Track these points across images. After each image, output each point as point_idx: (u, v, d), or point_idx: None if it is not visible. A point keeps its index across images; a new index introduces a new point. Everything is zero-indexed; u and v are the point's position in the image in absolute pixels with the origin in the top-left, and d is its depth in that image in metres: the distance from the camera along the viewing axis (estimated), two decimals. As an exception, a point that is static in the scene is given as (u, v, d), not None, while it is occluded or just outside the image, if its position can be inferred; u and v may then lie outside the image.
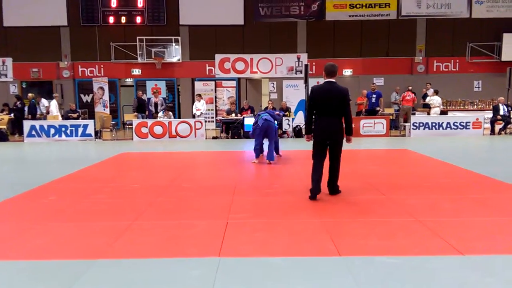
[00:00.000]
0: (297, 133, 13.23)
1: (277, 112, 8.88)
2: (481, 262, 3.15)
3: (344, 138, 5.30)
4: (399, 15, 17.43)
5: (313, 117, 5.26)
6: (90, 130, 13.20)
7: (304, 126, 5.42)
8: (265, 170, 7.57)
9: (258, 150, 8.21)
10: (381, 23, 17.64)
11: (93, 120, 13.87)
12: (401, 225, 4.08)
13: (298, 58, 17.05)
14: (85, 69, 17.82)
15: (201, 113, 14.48)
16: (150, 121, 13.25)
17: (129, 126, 13.87)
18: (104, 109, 17.00)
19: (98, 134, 13.58)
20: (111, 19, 17.53)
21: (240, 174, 7.10)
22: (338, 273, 3.02)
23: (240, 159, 8.90)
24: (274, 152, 8.17)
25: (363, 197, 5.24)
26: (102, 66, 17.79)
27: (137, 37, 17.17)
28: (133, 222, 4.29)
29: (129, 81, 19.15)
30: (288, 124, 13.25)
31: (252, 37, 17.75)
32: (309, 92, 5.27)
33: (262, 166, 7.97)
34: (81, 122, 13.53)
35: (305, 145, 8.93)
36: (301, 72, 16.63)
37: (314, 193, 5.09)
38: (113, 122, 15.05)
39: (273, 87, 17.57)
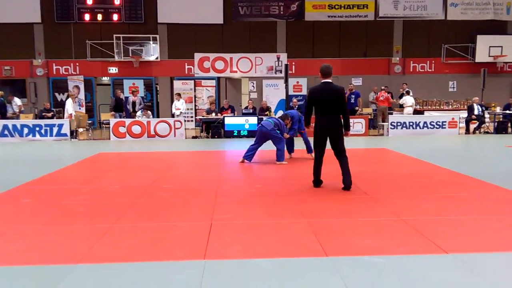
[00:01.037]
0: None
1: (287, 123, 8.51)
2: (466, 261, 3.18)
3: None
4: (377, 17, 17.67)
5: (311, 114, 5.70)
6: (66, 129, 12.84)
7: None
8: (246, 171, 7.52)
9: (249, 153, 8.14)
10: (359, 24, 17.84)
11: (68, 119, 13.49)
12: (385, 225, 4.10)
13: (278, 58, 17.09)
14: (59, 67, 17.34)
15: (181, 112, 14.31)
16: (128, 121, 13.00)
17: (106, 126, 13.56)
18: (80, 108, 16.59)
19: (73, 134, 13.23)
20: (87, 17, 17.11)
21: (222, 174, 7.02)
22: (325, 273, 3.00)
23: (221, 159, 8.81)
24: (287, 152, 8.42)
25: (347, 197, 5.25)
26: (77, 64, 17.36)
27: (114, 35, 16.82)
28: (114, 225, 4.16)
29: (105, 79, 18.76)
30: (268, 123, 13.21)
31: (232, 36, 17.66)
32: (308, 93, 5.65)
33: (243, 166, 7.91)
34: (56, 121, 13.15)
35: (285, 145, 8.90)
36: (281, 71, 16.67)
37: (317, 182, 5.73)
38: (89, 122, 14.69)
39: (253, 86, 17.54)
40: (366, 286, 2.80)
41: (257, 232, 3.90)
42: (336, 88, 5.52)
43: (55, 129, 12.79)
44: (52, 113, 13.96)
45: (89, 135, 13.77)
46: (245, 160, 8.12)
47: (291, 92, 16.60)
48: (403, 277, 2.92)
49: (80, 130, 13.85)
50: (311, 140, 6.37)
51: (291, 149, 8.77)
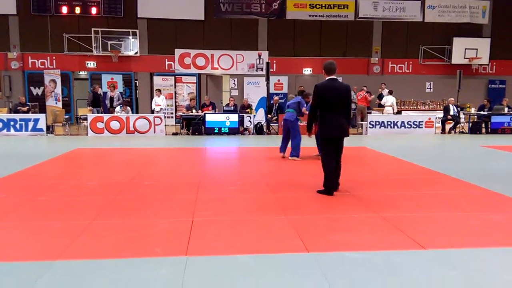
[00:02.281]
0: (259, 130, 13.23)
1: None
2: (443, 256, 3.26)
3: None
4: (357, 17, 17.90)
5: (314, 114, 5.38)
6: (42, 124, 12.53)
7: (306, 123, 5.47)
8: (228, 167, 7.50)
9: (282, 145, 8.33)
10: (339, 24, 18.03)
11: (44, 114, 13.17)
12: (365, 221, 4.16)
13: (259, 56, 17.10)
14: (35, 60, 16.90)
15: (161, 108, 14.16)
16: (106, 116, 12.77)
17: (84, 121, 13.29)
18: (56, 103, 16.19)
19: (50, 129, 12.92)
20: (65, 9, 16.72)
21: (203, 171, 6.98)
22: (307, 269, 3.02)
23: (202, 156, 8.77)
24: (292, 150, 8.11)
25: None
26: (54, 57, 16.95)
27: (92, 29, 16.50)
28: (92, 221, 4.09)
29: (83, 74, 18.39)
30: (249, 121, 13.23)
31: (213, 33, 17.57)
32: (314, 90, 5.23)
33: (223, 162, 7.89)
34: (31, 116, 12.81)
35: (266, 142, 8.98)
36: (262, 69, 16.69)
37: (331, 189, 5.20)
38: (66, 117, 14.38)
39: (234, 83, 17.50)
40: (347, 281, 2.84)
41: (239, 229, 3.90)
42: (344, 85, 5.27)
43: (30, 124, 12.47)
44: (27, 107, 13.59)
45: (66, 130, 13.48)
46: (281, 153, 8.26)
47: (272, 90, 16.64)
48: (383, 273, 2.97)
49: (57, 125, 13.54)
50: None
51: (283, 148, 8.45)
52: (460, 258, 3.22)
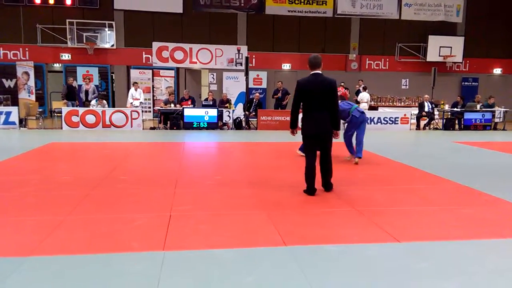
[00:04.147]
0: (238, 125, 13.23)
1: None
2: (416, 248, 3.35)
3: None
4: (335, 14, 18.04)
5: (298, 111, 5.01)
6: (14, 117, 12.19)
7: (290, 121, 5.16)
8: (206, 162, 7.48)
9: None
10: (318, 20, 18.14)
11: (16, 107, 12.79)
12: (341, 215, 4.23)
13: (238, 50, 17.04)
14: (7, 51, 16.38)
15: (140, 102, 13.96)
16: (81, 110, 12.51)
17: (58, 115, 12.97)
18: (30, 96, 15.78)
19: (23, 122, 12.57)
20: (38, -1, 16.24)
21: (181, 165, 6.94)
22: (284, 262, 3.06)
23: (181, 151, 8.70)
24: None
25: (303, 188, 5.34)
26: (27, 49, 16.48)
27: (67, 20, 16.10)
28: (67, 217, 4.02)
29: (57, 66, 17.94)
30: (228, 116, 13.20)
31: (192, 26, 17.41)
32: (296, 86, 4.94)
33: (202, 157, 7.86)
34: (3, 109, 12.43)
35: (245, 137, 8.99)
36: (241, 64, 16.65)
37: (312, 190, 4.97)
38: (40, 110, 14.01)
39: (213, 78, 17.41)
40: (323, 274, 2.88)
41: (217, 223, 3.91)
42: (328, 80, 4.86)
43: (2, 117, 12.12)
44: (-1, 100, 13.19)
45: (40, 124, 13.14)
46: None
47: (251, 85, 16.64)
48: (359, 265, 3.03)
49: (30, 118, 13.18)
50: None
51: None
52: (432, 250, 3.32)
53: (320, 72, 4.93)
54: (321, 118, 4.87)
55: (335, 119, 4.92)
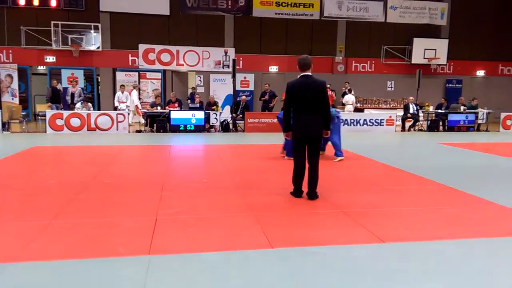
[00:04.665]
0: (225, 127, 13.20)
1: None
2: (401, 249, 3.39)
3: None
4: (322, 16, 18.17)
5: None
6: (-4, 121, 11.96)
7: (282, 123, 5.10)
8: (193, 165, 7.45)
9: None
10: (305, 22, 18.25)
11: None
12: (328, 217, 4.25)
13: (226, 53, 17.03)
14: (-10, 53, 16.11)
15: (127, 106, 13.86)
16: (66, 113, 12.35)
17: (42, 118, 12.78)
18: (13, 99, 15.52)
19: (5, 126, 12.36)
20: (22, 1, 15.99)
21: (168, 169, 6.90)
22: (271, 265, 3.06)
23: (167, 154, 8.65)
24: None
25: (290, 191, 5.35)
26: (10, 51, 16.22)
27: (52, 22, 15.91)
28: (51, 221, 3.96)
29: (42, 68, 17.69)
30: (215, 118, 13.17)
31: (179, 29, 17.35)
32: (286, 88, 4.89)
33: (189, 160, 7.83)
34: (-15, 112, 12.20)
35: (232, 140, 8.98)
36: (228, 66, 16.64)
37: (299, 192, 4.99)
38: (24, 113, 13.79)
39: (200, 80, 17.37)
40: (310, 275, 2.89)
41: (203, 226, 3.89)
42: (318, 82, 4.81)
43: (-16, 121, 11.87)
44: (-19, 103, 12.93)
45: (23, 127, 12.93)
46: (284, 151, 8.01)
47: (238, 88, 16.64)
48: (345, 266, 3.05)
49: (13, 122, 12.96)
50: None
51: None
52: (417, 251, 3.35)
53: (310, 73, 4.88)
54: (311, 119, 4.82)
55: (326, 120, 4.88)
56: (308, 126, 4.81)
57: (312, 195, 4.93)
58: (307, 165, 4.96)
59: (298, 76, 4.95)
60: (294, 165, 5.00)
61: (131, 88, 15.14)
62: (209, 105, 13.92)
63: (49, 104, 13.33)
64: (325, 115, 4.85)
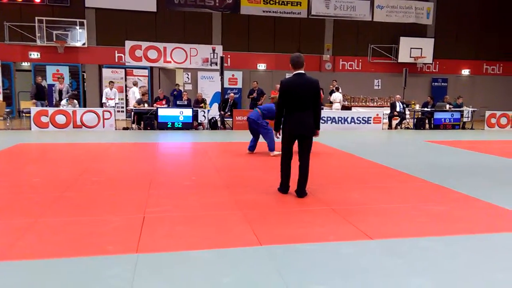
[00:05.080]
0: (213, 125, 13.15)
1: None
2: (389, 246, 3.42)
3: None
4: (309, 14, 18.21)
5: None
6: (-21, 118, 11.72)
7: (275, 122, 5.09)
8: (181, 163, 7.41)
9: (251, 145, 8.29)
10: (293, 20, 18.26)
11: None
12: (317, 214, 4.27)
13: (213, 50, 16.97)
14: (-28, 49, 15.76)
15: (116, 103, 13.72)
16: (51, 110, 12.16)
17: (27, 115, 12.58)
18: (-4, 96, 15.23)
19: (-12, 123, 12.12)
20: (5, -5, 15.68)
21: (155, 167, 6.84)
22: (260, 262, 3.06)
23: (155, 151, 8.59)
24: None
25: (278, 187, 5.36)
26: (-7, 47, 15.89)
27: (36, 18, 15.62)
28: (37, 219, 3.90)
29: (26, 65, 17.39)
30: (203, 116, 13.11)
31: (166, 25, 17.21)
32: (280, 87, 4.91)
33: (177, 158, 7.78)
34: (-33, 109, 11.95)
35: (221, 137, 8.97)
36: (216, 64, 16.58)
37: (286, 188, 5.04)
38: (8, 110, 13.56)
39: (187, 78, 17.27)
40: (299, 272, 2.90)
41: (192, 224, 3.87)
42: (312, 80, 4.83)
43: (-34, 118, 11.62)
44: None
45: (7, 124, 12.70)
46: (249, 151, 8.23)
47: (226, 85, 16.60)
48: (334, 263, 3.06)
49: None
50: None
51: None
52: (404, 247, 3.39)
53: (303, 72, 4.87)
54: (305, 118, 4.83)
55: (317, 119, 4.93)
56: (302, 124, 4.83)
57: (302, 193, 4.93)
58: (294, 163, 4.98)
59: (292, 74, 4.94)
60: (282, 162, 5.03)
61: (131, 85, 15.00)
62: (197, 103, 13.85)
63: (34, 101, 13.12)
64: (317, 114, 4.90)
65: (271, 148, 7.99)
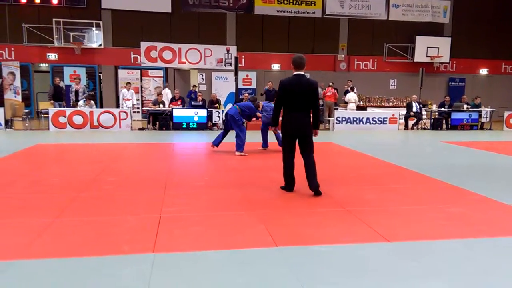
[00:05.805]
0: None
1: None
2: (406, 248, 3.37)
3: None
4: (324, 14, 18.12)
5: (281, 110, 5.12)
6: (0, 118, 11.98)
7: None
8: (195, 163, 7.45)
9: (217, 140, 8.44)
10: (307, 20, 18.19)
11: (2, 108, 12.58)
12: (332, 215, 4.24)
13: (228, 50, 17.01)
14: (-8, 51, 16.12)
15: (133, 104, 13.89)
16: (68, 110, 12.36)
17: (45, 115, 12.81)
18: (15, 96, 15.50)
19: (9, 124, 12.38)
20: (23, -2, 16.00)
21: (170, 167, 6.90)
22: (275, 263, 3.05)
23: (170, 152, 8.65)
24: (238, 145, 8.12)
25: (294, 188, 5.34)
26: (12, 48, 16.22)
27: (54, 19, 15.89)
28: (56, 219, 3.96)
29: (44, 66, 17.69)
30: (218, 116, 13.15)
31: (180, 26, 17.32)
32: (279, 86, 5.05)
33: (191, 158, 7.83)
34: (-12, 109, 12.22)
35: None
36: (230, 64, 16.62)
37: (291, 186, 5.14)
38: (26, 111, 13.81)
39: (202, 78, 17.35)
40: (314, 274, 2.88)
41: (207, 224, 3.88)
42: (310, 81, 4.98)
43: (-13, 118, 11.89)
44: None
45: (26, 125, 12.95)
46: (214, 146, 8.32)
47: (240, 85, 16.62)
48: (350, 265, 3.04)
49: (16, 119, 12.98)
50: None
51: (265, 143, 8.79)
52: (422, 250, 3.34)
53: (303, 73, 5.00)
54: (303, 118, 4.96)
55: (316, 119, 5.09)
56: (301, 125, 4.96)
57: (315, 185, 4.97)
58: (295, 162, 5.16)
59: (292, 75, 5.05)
60: (284, 162, 5.13)
61: (147, 85, 15.11)
62: (212, 103, 13.90)
63: (52, 101, 13.34)
64: (315, 114, 5.08)
65: (239, 148, 8.02)
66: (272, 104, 8.09)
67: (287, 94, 4.93)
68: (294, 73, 5.01)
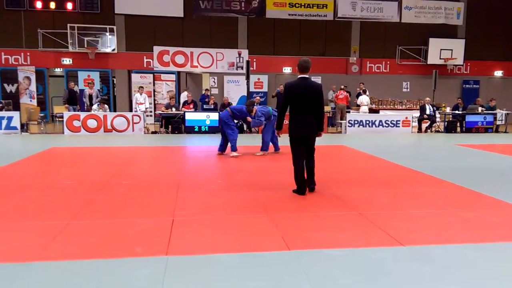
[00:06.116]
0: (239, 128, 13.19)
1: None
2: (421, 252, 3.33)
3: None
4: (336, 17, 18.08)
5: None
6: (16, 122, 12.20)
7: (276, 121, 5.61)
8: (207, 166, 7.48)
9: (220, 144, 8.59)
10: (318, 23, 18.18)
11: (18, 112, 12.81)
12: (345, 219, 4.22)
13: (239, 54, 17.06)
14: (8, 56, 16.45)
15: (146, 108, 14.02)
16: (83, 114, 12.53)
17: (60, 119, 13.01)
18: (31, 100, 15.80)
19: (24, 127, 12.59)
20: (39, 4, 16.32)
21: (183, 169, 6.94)
22: (287, 267, 3.04)
23: (182, 155, 8.70)
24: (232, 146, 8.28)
25: (307, 192, 5.33)
26: (28, 54, 16.54)
27: (68, 25, 16.16)
28: (70, 222, 4.01)
29: (58, 71, 17.98)
30: (229, 119, 13.18)
31: (192, 31, 17.46)
32: (284, 89, 5.21)
33: (203, 161, 7.86)
34: (5, 114, 12.44)
35: (246, 141, 9.02)
36: (242, 68, 16.66)
37: (303, 189, 5.17)
38: (41, 115, 14.05)
39: (214, 82, 17.44)
40: (328, 278, 2.87)
41: (220, 227, 3.89)
42: (315, 84, 5.13)
43: (4, 122, 12.12)
44: (0, 105, 13.21)
45: (41, 128, 13.17)
46: (221, 153, 8.44)
47: (252, 89, 16.66)
48: (363, 269, 3.02)
49: (32, 123, 13.20)
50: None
51: (276, 146, 8.81)
52: (436, 254, 3.30)
53: (307, 76, 5.11)
54: (307, 121, 5.07)
55: (320, 122, 5.17)
56: (307, 127, 5.09)
57: (311, 185, 5.24)
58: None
59: (296, 78, 5.17)
60: (295, 165, 5.19)
61: (160, 89, 15.24)
62: (223, 106, 13.94)
63: (66, 105, 13.55)
64: (319, 117, 5.14)
65: (233, 149, 8.16)
66: (265, 110, 8.45)
67: (292, 97, 5.05)
68: (299, 76, 5.13)
